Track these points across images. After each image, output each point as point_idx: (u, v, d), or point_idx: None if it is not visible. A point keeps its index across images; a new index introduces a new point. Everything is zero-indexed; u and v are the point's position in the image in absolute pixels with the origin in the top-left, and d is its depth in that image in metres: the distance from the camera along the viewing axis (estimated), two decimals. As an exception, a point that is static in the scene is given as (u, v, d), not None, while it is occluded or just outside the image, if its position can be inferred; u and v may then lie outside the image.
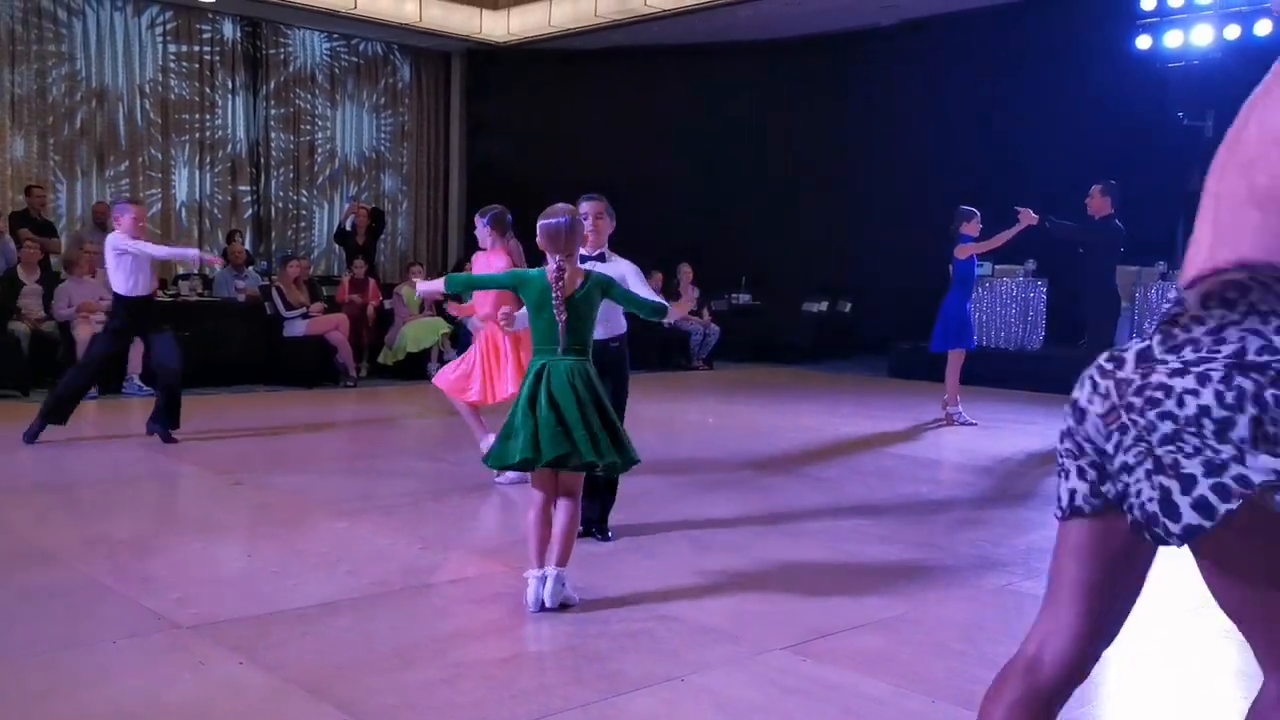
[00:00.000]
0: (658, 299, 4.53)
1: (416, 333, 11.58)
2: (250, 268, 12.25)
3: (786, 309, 15.02)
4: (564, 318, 4.10)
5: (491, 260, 6.09)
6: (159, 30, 14.92)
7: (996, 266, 13.04)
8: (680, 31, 15.17)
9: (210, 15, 15.25)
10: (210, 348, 10.64)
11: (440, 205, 17.98)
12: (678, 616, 3.96)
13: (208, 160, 15.67)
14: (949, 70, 14.08)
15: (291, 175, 16.60)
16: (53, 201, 13.39)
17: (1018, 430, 8.87)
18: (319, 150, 16.89)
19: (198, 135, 15.51)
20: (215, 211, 15.83)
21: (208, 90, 15.55)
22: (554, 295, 4.08)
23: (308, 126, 16.70)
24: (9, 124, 13.52)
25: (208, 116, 15.59)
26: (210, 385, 10.44)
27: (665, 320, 4.57)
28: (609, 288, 4.24)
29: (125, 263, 7.15)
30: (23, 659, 3.39)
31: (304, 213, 16.78)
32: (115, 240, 7.17)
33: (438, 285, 4.62)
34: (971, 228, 9.21)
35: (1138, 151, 12.59)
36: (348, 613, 3.94)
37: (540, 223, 4.15)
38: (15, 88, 13.56)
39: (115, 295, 7.32)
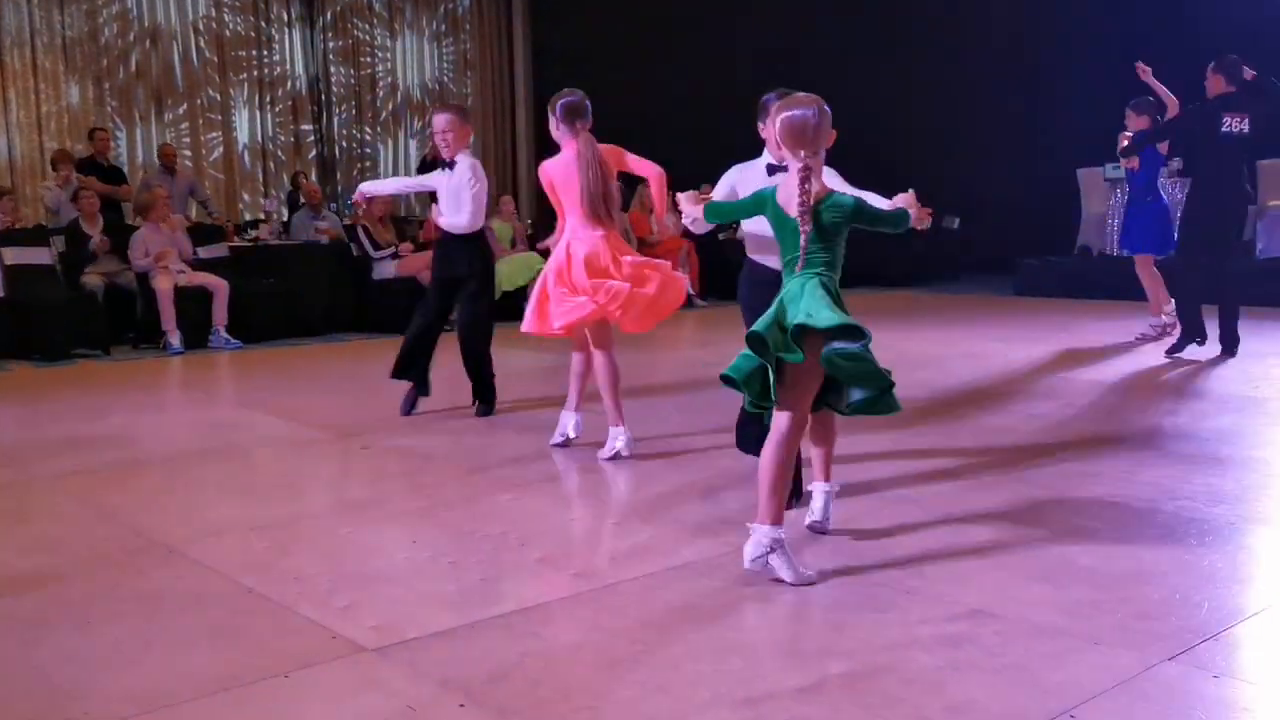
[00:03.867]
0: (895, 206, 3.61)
1: (510, 270, 10.67)
2: (330, 208, 11.36)
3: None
4: (808, 229, 3.30)
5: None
6: (209, -38, 14.02)
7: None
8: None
9: (262, -57, 14.30)
10: (295, 295, 9.83)
11: (507, 138, 16.98)
12: (990, 610, 3.05)
13: (268, 99, 14.84)
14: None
15: (354, 111, 15.72)
16: (114, 148, 12.60)
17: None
18: (380, 84, 15.99)
19: (255, 73, 14.66)
20: (279, 153, 15.03)
21: (263, 25, 14.68)
22: (799, 203, 3.29)
23: (368, 59, 15.78)
24: (63, 69, 12.72)
25: (265, 53, 14.73)
26: (298, 336, 9.65)
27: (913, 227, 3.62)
28: (857, 210, 3.41)
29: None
30: (160, 710, 2.56)
31: (368, 151, 15.94)
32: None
33: (698, 212, 3.74)
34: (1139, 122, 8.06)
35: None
36: (565, 619, 3.07)
37: (781, 114, 3.36)
38: (66, 30, 12.73)
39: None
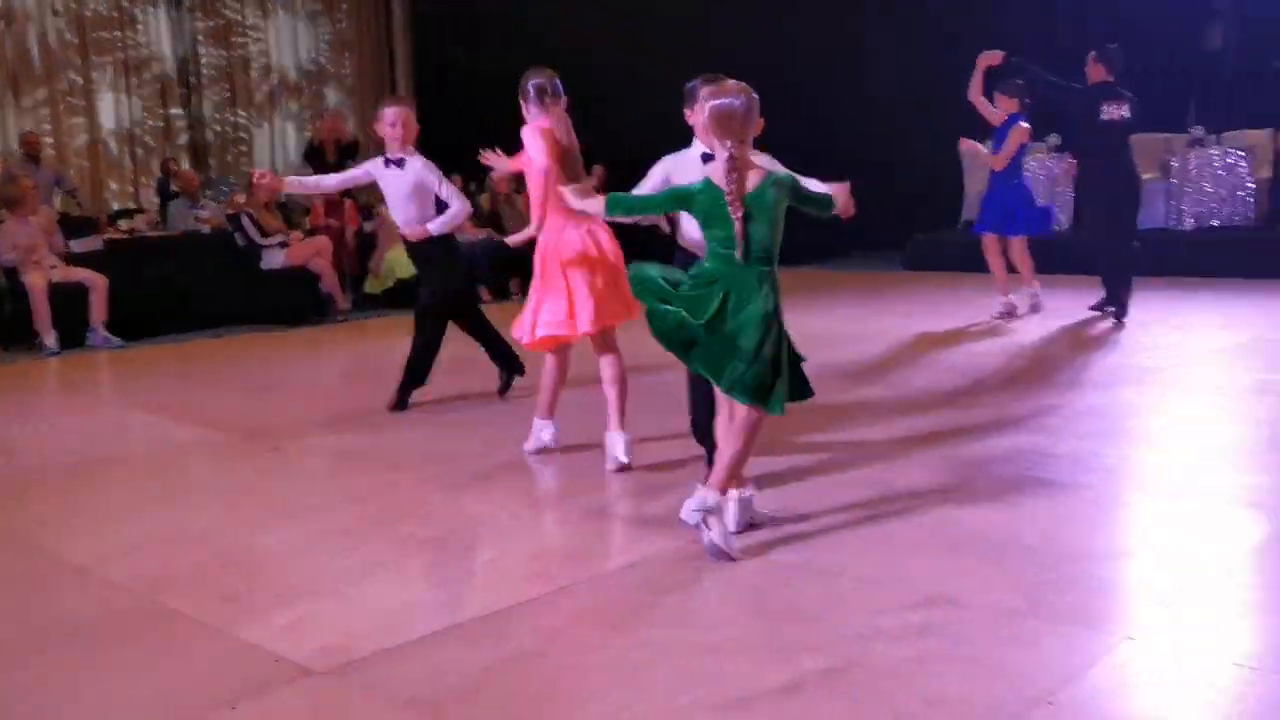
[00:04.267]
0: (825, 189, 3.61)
1: (405, 256, 10.38)
2: (206, 195, 10.89)
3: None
4: (739, 216, 3.30)
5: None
6: (66, -63, 13.28)
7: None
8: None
9: (122, -83, 13.61)
10: (179, 289, 9.40)
11: (389, 119, 16.52)
12: (946, 596, 3.04)
13: (133, 82, 14.17)
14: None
15: (227, 94, 15.13)
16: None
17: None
18: (253, 65, 15.42)
19: (120, 55, 13.99)
20: (147, 139, 14.38)
21: (125, 4, 14.00)
22: (727, 193, 3.28)
23: (239, 39, 15.20)
24: (-92, 54, 11.93)
25: (128, 33, 14.06)
26: (182, 331, 9.23)
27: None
28: (794, 186, 3.38)
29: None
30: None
31: (243, 135, 15.37)
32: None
33: (595, 206, 3.63)
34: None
35: (1148, 9, 11.70)
36: (525, 626, 2.94)
37: (709, 103, 3.35)
38: (-90, 12, 11.94)
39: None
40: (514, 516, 3.96)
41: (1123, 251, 7.80)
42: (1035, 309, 8.19)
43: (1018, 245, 8.35)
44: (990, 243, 8.33)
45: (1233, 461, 4.31)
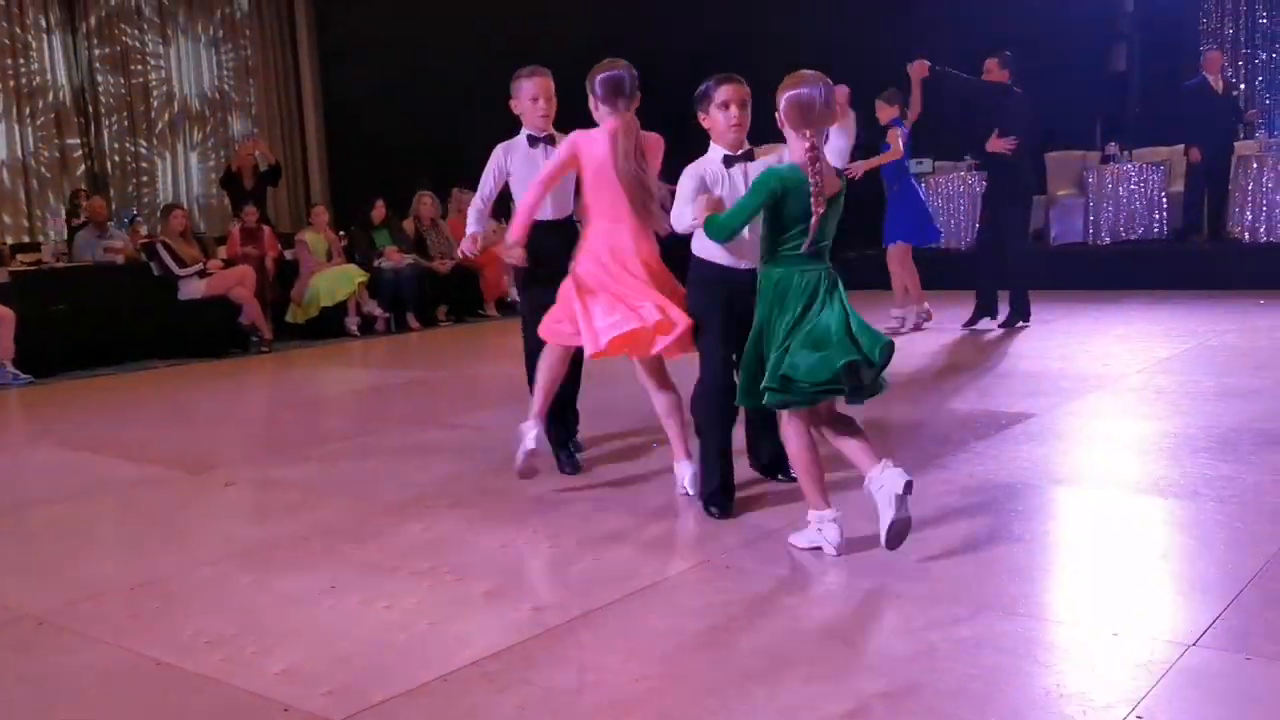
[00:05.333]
0: None
1: (329, 284, 10.06)
2: (112, 224, 10.38)
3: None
4: (821, 211, 3.25)
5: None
6: (-49, -39, 12.71)
7: (937, 163, 12.30)
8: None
9: (13, -61, 13.07)
10: (91, 322, 8.93)
11: (297, 147, 16.11)
12: (991, 606, 2.92)
13: (27, 111, 13.56)
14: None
15: (126, 123, 14.58)
16: None
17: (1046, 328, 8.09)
18: (154, 93, 14.90)
19: (12, 83, 13.38)
20: (43, 170, 13.77)
21: (18, 30, 13.42)
22: (810, 186, 3.22)
23: (139, 67, 14.68)
24: None
25: (21, 61, 13.47)
26: (99, 365, 8.77)
27: None
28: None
29: None
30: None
31: (145, 165, 14.82)
32: None
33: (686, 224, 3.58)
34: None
35: (1057, 31, 11.98)
36: (550, 661, 2.73)
37: (788, 93, 3.26)
38: None
39: None
40: (505, 545, 3.74)
41: (1016, 258, 8.11)
42: (921, 325, 8.34)
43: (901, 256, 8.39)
44: (901, 253, 8.37)
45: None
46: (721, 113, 3.69)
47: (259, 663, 2.82)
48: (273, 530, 4.08)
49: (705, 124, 3.77)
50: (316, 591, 3.35)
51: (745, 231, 3.49)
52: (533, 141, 4.55)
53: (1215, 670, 2.52)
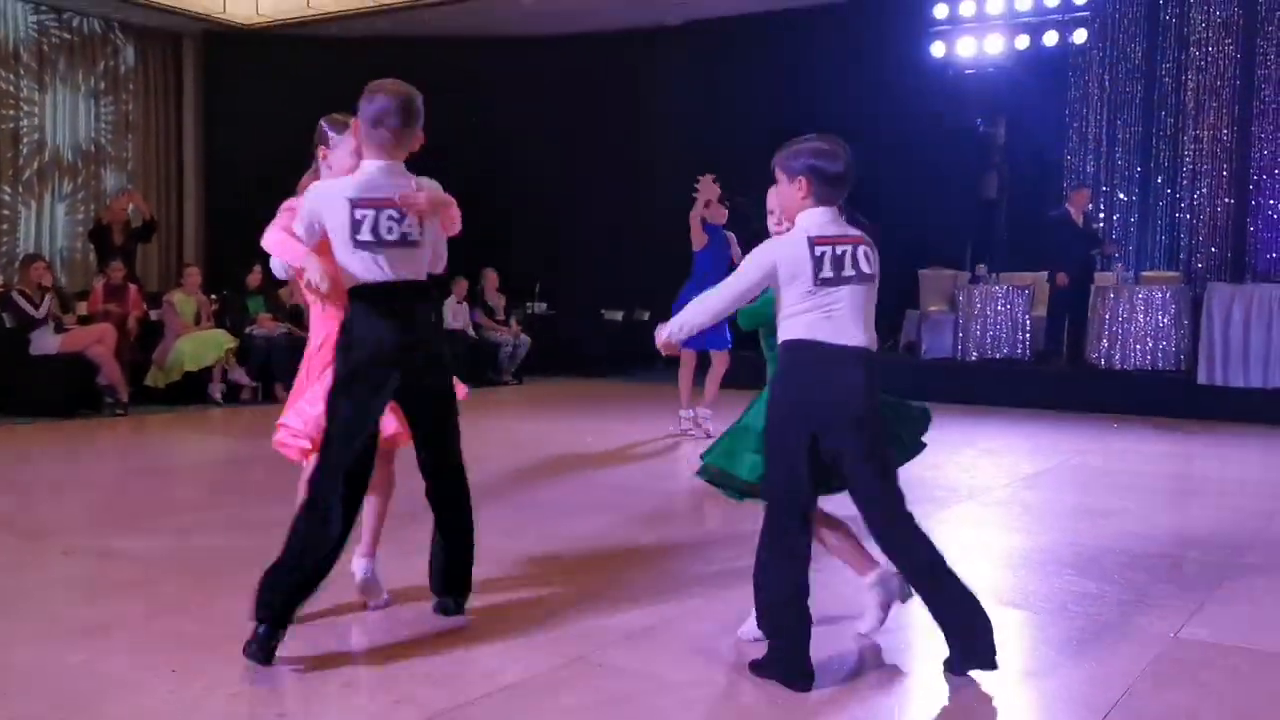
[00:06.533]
0: None
1: (195, 348, 9.67)
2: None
3: (586, 318, 14.00)
4: None
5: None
6: None
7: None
8: (453, 23, 13.99)
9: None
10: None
11: (174, 206, 15.66)
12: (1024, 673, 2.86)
13: (-123, 151, 12.92)
14: (738, 73, 13.60)
15: (-10, 169, 13.98)
16: None
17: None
18: (24, 140, 14.34)
19: None
20: (-107, 212, 13.07)
21: (-125, 65, 12.83)
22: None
23: (10, 112, 14.12)
24: None
25: (-126, 97, 12.85)
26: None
27: None
28: None
29: None
30: None
31: (7, 213, 14.17)
32: None
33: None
34: None
35: (933, 156, 12.51)
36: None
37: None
38: None
39: None
40: (360, 620, 3.54)
41: None
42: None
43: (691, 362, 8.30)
44: (689, 357, 8.25)
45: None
46: None
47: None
48: (111, 606, 3.80)
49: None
50: (155, 676, 3.10)
51: None
52: None
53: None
